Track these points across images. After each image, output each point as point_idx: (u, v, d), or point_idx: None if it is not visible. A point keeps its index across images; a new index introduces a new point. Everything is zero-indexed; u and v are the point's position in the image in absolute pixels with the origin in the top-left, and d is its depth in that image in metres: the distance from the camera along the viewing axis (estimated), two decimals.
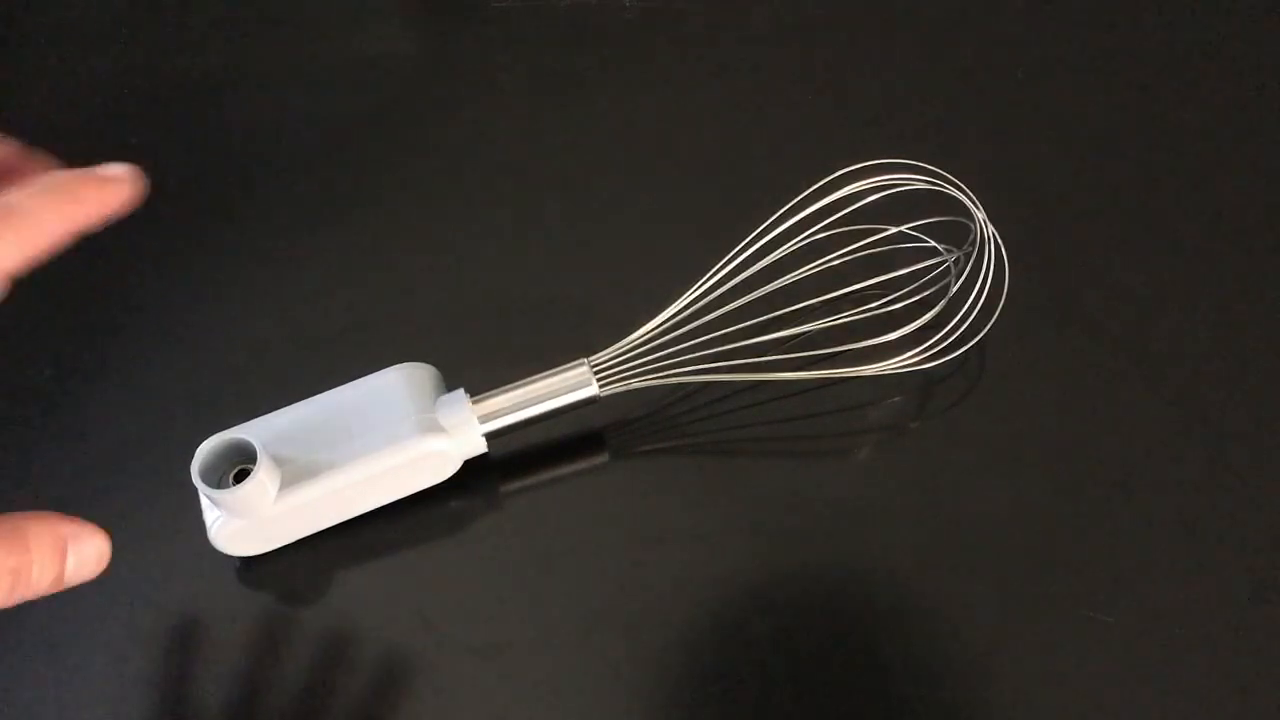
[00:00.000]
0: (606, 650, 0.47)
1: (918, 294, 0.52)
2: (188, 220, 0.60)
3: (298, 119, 0.64)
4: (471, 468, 0.49)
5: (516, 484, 0.51)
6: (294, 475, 0.46)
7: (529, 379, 0.49)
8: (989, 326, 0.50)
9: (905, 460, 0.52)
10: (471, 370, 0.50)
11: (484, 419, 0.48)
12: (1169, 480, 0.50)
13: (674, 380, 0.50)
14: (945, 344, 0.50)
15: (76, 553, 0.36)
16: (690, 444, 0.52)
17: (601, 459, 0.52)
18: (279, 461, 0.46)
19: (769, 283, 0.51)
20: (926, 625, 0.47)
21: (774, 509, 0.50)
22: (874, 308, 0.51)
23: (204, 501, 0.47)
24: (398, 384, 0.48)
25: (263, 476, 0.44)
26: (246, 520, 0.46)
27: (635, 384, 0.49)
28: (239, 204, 0.60)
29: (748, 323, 0.51)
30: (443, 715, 0.46)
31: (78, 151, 0.62)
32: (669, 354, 0.50)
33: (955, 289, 0.51)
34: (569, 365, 0.49)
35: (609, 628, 0.48)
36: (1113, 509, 0.50)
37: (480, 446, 0.49)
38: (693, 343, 0.50)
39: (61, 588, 0.36)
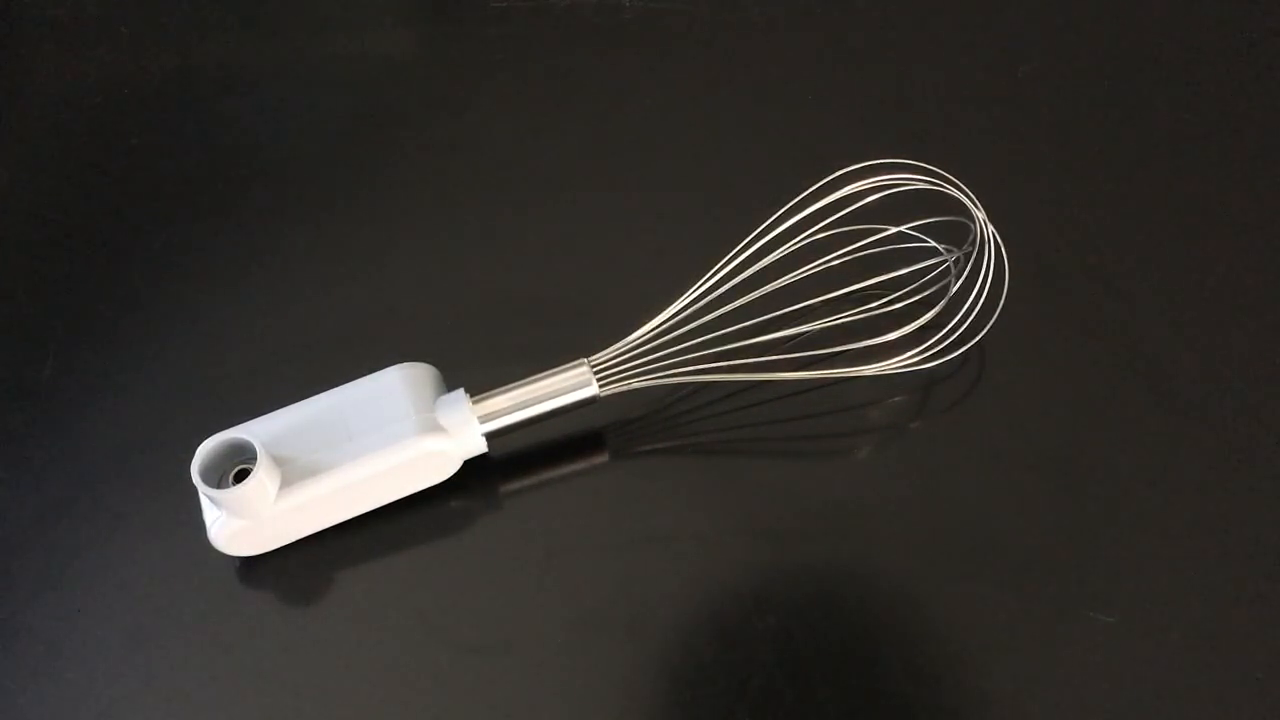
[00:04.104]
0: (606, 650, 0.47)
1: (918, 294, 0.52)
2: (188, 220, 0.60)
3: (298, 119, 0.64)
4: (471, 468, 0.49)
5: (516, 484, 0.51)
6: (294, 475, 0.46)
7: (529, 379, 0.49)
8: (989, 326, 0.50)
9: (905, 460, 0.52)
10: (471, 370, 0.50)
11: (484, 419, 0.48)
12: (1169, 480, 0.50)
13: (674, 380, 0.50)
14: (945, 344, 0.50)
15: None
16: (690, 444, 0.52)
17: (601, 459, 0.52)
18: (279, 461, 0.46)
19: (769, 283, 0.51)
20: (926, 625, 0.47)
21: (774, 509, 0.50)
22: (874, 308, 0.51)
23: (204, 501, 0.47)
24: (397, 384, 0.48)
25: (263, 476, 0.44)
26: (246, 520, 0.46)
27: (635, 384, 0.49)
28: (239, 204, 0.60)
29: (748, 323, 0.51)
30: (443, 715, 0.46)
31: (78, 151, 0.63)
32: (669, 354, 0.50)
33: (955, 289, 0.51)
34: (569, 365, 0.49)
35: (609, 628, 0.48)
36: (1113, 509, 0.50)
37: (480, 446, 0.49)
38: (693, 343, 0.50)
39: None
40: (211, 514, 0.46)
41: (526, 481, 0.51)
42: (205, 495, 0.45)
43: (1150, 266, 0.56)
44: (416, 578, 0.49)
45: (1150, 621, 0.47)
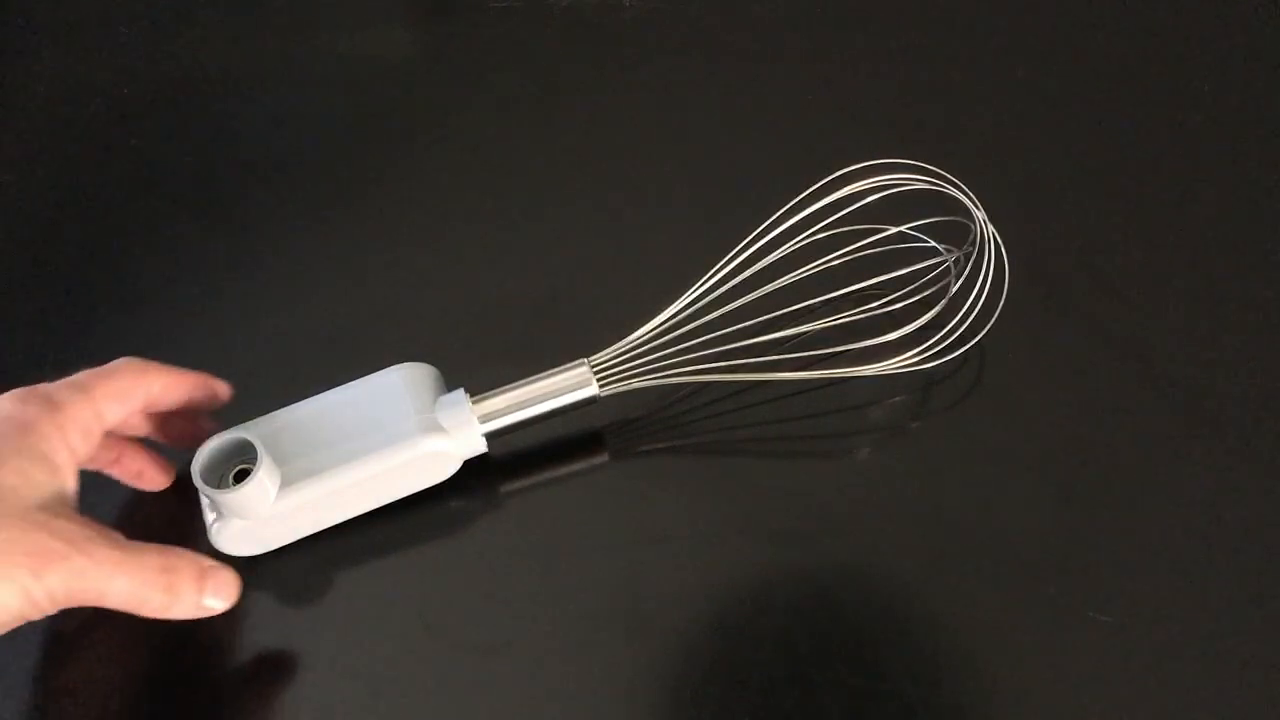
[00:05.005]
0: (606, 650, 0.47)
1: (918, 294, 0.52)
2: (188, 220, 0.60)
3: (297, 119, 0.64)
4: (471, 468, 0.49)
5: (516, 484, 0.51)
6: (294, 475, 0.46)
7: (529, 379, 0.49)
8: (989, 326, 0.50)
9: (905, 460, 0.52)
10: (471, 370, 0.50)
11: (484, 419, 0.48)
12: (1169, 480, 0.50)
13: (674, 380, 0.50)
14: (945, 344, 0.50)
15: (213, 580, 0.44)
16: (690, 444, 0.52)
17: (601, 459, 0.52)
18: (279, 461, 0.46)
19: (769, 283, 0.51)
20: (926, 625, 0.47)
21: (774, 509, 0.50)
22: (874, 308, 0.51)
23: (204, 501, 0.47)
24: (398, 384, 0.48)
25: (263, 476, 0.44)
26: (246, 520, 0.46)
27: (635, 384, 0.49)
28: (239, 204, 0.60)
29: (748, 323, 0.51)
30: (443, 715, 0.46)
31: (78, 152, 0.63)
32: (669, 354, 0.50)
33: (955, 289, 0.51)
34: (569, 365, 0.49)
35: (609, 628, 0.48)
36: (1113, 509, 0.50)
37: (480, 446, 0.49)
38: (693, 343, 0.50)
39: (201, 611, 0.43)
40: (211, 514, 0.46)
41: (526, 481, 0.51)
42: (205, 495, 0.45)
43: (1150, 267, 0.56)
44: (416, 578, 0.49)
45: (1150, 621, 0.47)
